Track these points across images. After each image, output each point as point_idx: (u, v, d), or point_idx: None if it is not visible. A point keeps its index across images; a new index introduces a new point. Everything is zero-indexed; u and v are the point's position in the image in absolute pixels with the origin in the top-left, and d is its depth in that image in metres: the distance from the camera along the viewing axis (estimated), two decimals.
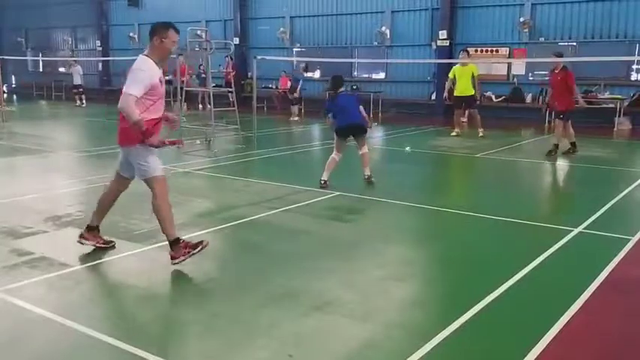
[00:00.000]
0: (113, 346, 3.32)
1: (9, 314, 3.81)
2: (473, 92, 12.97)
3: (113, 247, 5.05)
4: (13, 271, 4.50)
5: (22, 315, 3.76)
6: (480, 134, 12.90)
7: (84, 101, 21.47)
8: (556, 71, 10.57)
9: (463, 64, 13.11)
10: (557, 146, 10.52)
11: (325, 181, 7.47)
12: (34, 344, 3.37)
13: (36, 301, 3.92)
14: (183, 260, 4.62)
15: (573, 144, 10.61)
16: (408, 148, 9.54)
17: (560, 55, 10.96)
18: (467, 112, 14.07)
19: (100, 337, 3.41)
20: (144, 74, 4.49)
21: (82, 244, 4.98)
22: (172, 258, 4.62)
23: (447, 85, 13.48)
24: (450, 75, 13.30)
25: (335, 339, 3.46)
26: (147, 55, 4.68)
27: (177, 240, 4.69)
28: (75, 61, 22.24)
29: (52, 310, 3.77)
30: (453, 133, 13.19)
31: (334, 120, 7.66)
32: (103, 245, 5.02)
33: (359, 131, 7.74)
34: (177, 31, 4.88)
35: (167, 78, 17.59)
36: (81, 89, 21.61)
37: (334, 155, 7.62)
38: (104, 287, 4.28)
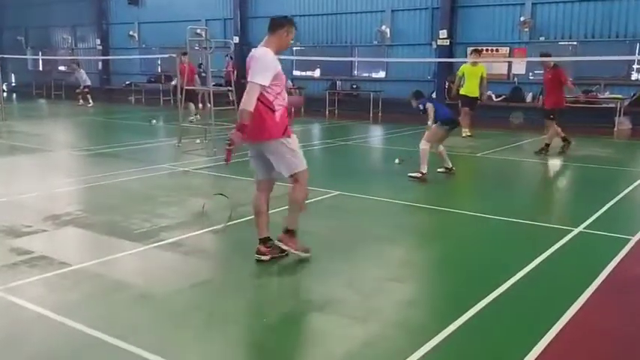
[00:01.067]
0: (112, 344, 3.31)
1: (8, 313, 3.80)
2: (478, 94, 12.77)
3: (287, 255, 4.81)
4: (13, 269, 4.49)
5: (22, 314, 3.76)
6: (465, 134, 12.63)
7: (90, 101, 21.42)
8: (547, 70, 10.82)
9: (473, 64, 12.77)
10: (548, 146, 10.66)
11: (424, 173, 8.20)
12: (33, 343, 3.37)
13: (35, 300, 3.91)
14: (283, 252, 4.72)
15: (564, 138, 10.74)
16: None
17: (547, 55, 11.07)
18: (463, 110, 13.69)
19: (100, 335, 3.40)
20: (270, 63, 4.42)
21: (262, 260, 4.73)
22: (280, 241, 4.74)
23: (456, 82, 13.16)
24: (459, 73, 12.98)
25: (334, 338, 3.46)
26: (266, 47, 4.57)
27: (294, 232, 4.73)
28: (78, 64, 22.07)
29: (52, 308, 3.77)
30: (467, 134, 12.66)
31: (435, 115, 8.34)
32: (279, 255, 4.80)
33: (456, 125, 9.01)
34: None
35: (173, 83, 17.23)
36: (86, 89, 21.62)
37: (427, 147, 8.30)
38: (103, 286, 4.27)
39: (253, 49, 4.62)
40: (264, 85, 4.31)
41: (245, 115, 4.25)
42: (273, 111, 4.43)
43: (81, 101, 21.33)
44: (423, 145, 8.24)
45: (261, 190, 4.83)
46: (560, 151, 10.68)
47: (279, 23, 4.70)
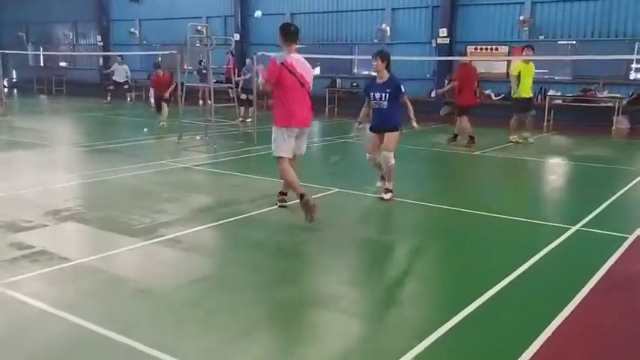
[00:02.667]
0: (112, 339, 3.34)
1: (9, 308, 3.83)
2: (532, 94, 11.75)
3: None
4: (13, 264, 4.52)
5: (22, 309, 3.78)
6: (523, 139, 11.60)
7: (132, 97, 21.25)
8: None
9: (526, 62, 11.44)
10: (456, 136, 11.62)
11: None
12: (33, 338, 3.40)
13: (36, 295, 3.94)
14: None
15: (472, 138, 11.34)
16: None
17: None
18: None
19: (100, 330, 3.43)
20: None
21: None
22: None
23: (513, 84, 11.64)
24: (514, 72, 11.47)
25: (333, 335, 3.49)
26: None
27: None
28: (122, 58, 21.20)
29: (52, 304, 3.79)
30: (529, 140, 11.68)
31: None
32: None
33: None
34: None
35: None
36: (126, 86, 21.47)
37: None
38: (104, 281, 4.30)
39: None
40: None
41: None
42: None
43: (127, 99, 20.26)
44: (392, 159, 6.81)
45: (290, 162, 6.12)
46: (465, 144, 11.38)
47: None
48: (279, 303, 3.90)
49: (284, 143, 5.98)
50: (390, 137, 6.84)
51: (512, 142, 11.74)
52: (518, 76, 11.36)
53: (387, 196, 6.75)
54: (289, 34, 5.95)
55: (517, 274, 4.46)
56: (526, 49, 11.68)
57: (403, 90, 6.98)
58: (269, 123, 6.58)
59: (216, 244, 5.53)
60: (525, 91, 11.48)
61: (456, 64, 16.61)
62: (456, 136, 11.63)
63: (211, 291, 4.23)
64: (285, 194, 6.37)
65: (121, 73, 21.38)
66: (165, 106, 13.30)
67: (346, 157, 8.54)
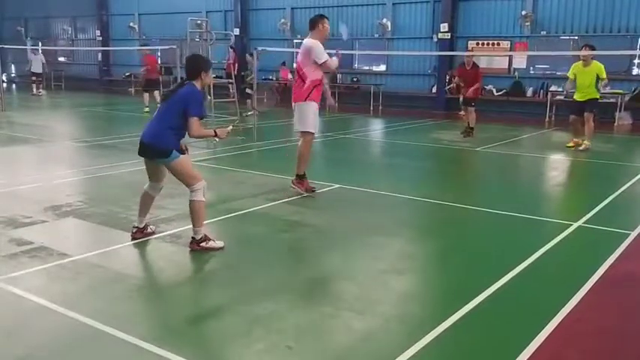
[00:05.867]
0: (112, 335, 3.32)
1: (8, 304, 3.81)
2: (598, 95, 10.65)
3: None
4: (13, 260, 4.50)
5: (22, 304, 3.77)
6: (583, 147, 10.57)
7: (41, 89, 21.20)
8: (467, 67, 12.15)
9: (585, 63, 10.41)
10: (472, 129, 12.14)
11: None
12: (33, 334, 3.38)
13: (35, 291, 3.92)
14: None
15: (472, 128, 12.13)
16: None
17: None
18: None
19: (99, 326, 3.41)
20: (321, 47, 6.55)
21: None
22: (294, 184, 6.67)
23: (567, 86, 11.27)
24: (570, 75, 10.73)
25: (334, 331, 3.47)
26: (313, 38, 6.64)
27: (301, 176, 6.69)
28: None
29: (52, 299, 3.78)
30: (582, 146, 10.63)
31: None
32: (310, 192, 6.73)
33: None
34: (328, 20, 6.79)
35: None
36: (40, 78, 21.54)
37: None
38: (103, 277, 4.28)
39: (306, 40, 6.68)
40: (329, 59, 6.58)
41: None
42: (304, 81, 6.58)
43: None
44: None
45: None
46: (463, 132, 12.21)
47: (314, 20, 6.77)
48: (280, 299, 3.88)
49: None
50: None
51: (582, 149, 10.60)
52: (574, 79, 10.62)
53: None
54: (309, 23, 6.89)
55: (518, 270, 4.45)
56: (586, 47, 10.63)
57: None
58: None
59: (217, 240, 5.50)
60: (582, 93, 10.57)
61: (456, 61, 16.62)
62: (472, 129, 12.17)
63: (212, 287, 4.21)
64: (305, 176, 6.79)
65: (38, 63, 21.34)
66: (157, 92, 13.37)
67: (347, 153, 8.55)
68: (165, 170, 4.86)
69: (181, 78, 4.78)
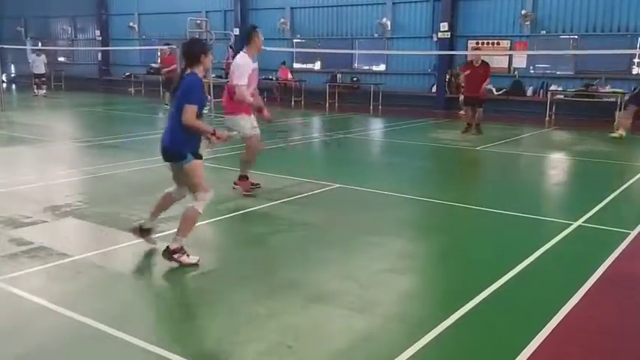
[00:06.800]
0: (112, 335, 3.32)
1: (8, 304, 3.81)
2: None
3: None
4: (13, 260, 4.50)
5: (21, 304, 3.76)
6: (618, 134, 11.83)
7: (45, 90, 21.24)
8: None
9: None
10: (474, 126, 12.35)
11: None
12: (32, 334, 3.37)
13: (35, 291, 3.92)
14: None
15: (470, 125, 12.38)
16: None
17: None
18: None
19: (99, 326, 3.41)
20: (244, 69, 6.29)
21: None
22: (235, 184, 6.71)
23: None
24: None
25: (334, 331, 3.47)
26: (247, 51, 6.44)
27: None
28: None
29: (51, 299, 3.77)
30: (619, 134, 11.94)
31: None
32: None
33: None
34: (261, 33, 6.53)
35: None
36: (44, 78, 21.54)
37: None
38: (103, 277, 4.27)
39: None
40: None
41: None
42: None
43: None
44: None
45: None
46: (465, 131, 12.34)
47: (246, 34, 6.56)
48: (280, 298, 3.88)
49: None
50: None
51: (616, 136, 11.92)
52: None
53: None
54: (244, 35, 6.74)
55: (518, 269, 4.44)
56: None
57: None
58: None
59: (217, 240, 5.51)
60: None
61: (457, 60, 16.62)
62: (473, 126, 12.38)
63: (212, 286, 4.21)
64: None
65: (40, 65, 21.34)
66: None
67: (346, 153, 8.54)
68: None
69: (181, 69, 4.58)
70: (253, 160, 6.79)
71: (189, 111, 4.26)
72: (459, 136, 12.12)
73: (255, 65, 6.49)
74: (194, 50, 4.43)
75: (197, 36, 11.92)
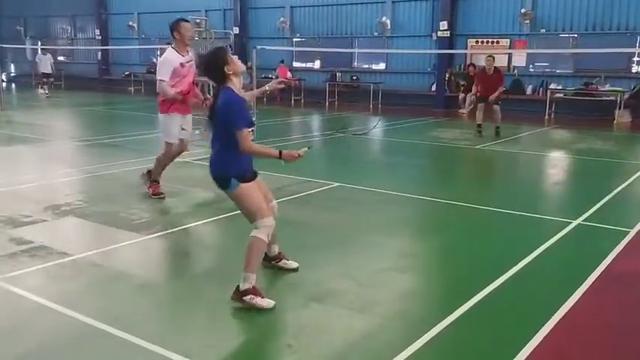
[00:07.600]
0: (112, 334, 3.32)
1: (8, 303, 3.81)
2: None
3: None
4: (13, 259, 4.50)
5: (21, 304, 3.77)
6: None
7: (48, 89, 21.19)
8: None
9: None
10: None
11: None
12: (33, 333, 3.37)
13: (35, 290, 3.92)
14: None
15: (481, 126, 12.10)
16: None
17: None
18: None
19: (100, 326, 3.41)
20: (167, 64, 6.07)
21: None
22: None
23: None
24: None
25: (333, 330, 3.47)
26: (174, 46, 6.20)
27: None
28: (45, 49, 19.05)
29: (51, 298, 3.77)
30: None
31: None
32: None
33: None
34: (187, 21, 6.24)
35: None
36: (52, 78, 21.46)
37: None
38: (103, 276, 4.27)
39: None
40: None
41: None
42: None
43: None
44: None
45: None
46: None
47: (170, 28, 6.23)
48: (280, 297, 3.87)
49: None
50: None
51: None
52: None
53: None
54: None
55: (518, 268, 4.45)
56: None
57: None
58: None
59: (217, 239, 5.51)
60: None
61: (456, 59, 16.60)
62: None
63: (212, 286, 4.21)
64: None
65: (46, 64, 21.29)
66: None
67: (346, 152, 8.53)
68: (267, 189, 4.18)
69: (213, 87, 4.04)
70: (167, 164, 6.55)
71: (242, 137, 3.65)
72: (458, 135, 12.10)
73: (187, 59, 6.21)
74: (215, 67, 3.74)
75: (197, 36, 11.86)
